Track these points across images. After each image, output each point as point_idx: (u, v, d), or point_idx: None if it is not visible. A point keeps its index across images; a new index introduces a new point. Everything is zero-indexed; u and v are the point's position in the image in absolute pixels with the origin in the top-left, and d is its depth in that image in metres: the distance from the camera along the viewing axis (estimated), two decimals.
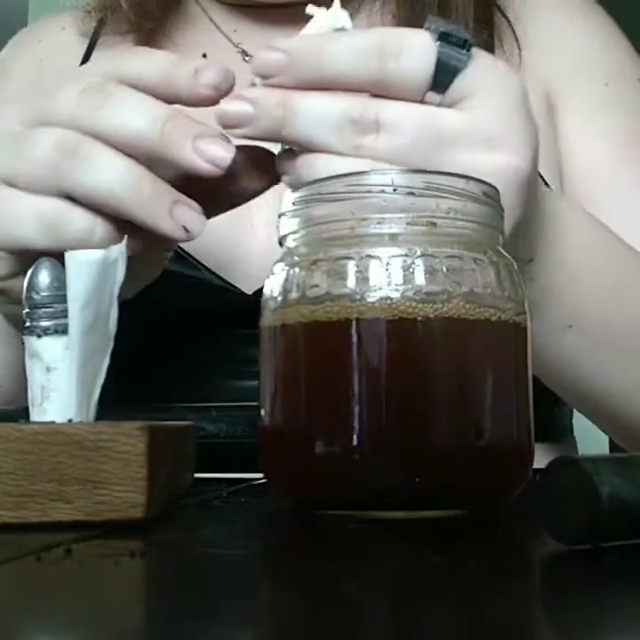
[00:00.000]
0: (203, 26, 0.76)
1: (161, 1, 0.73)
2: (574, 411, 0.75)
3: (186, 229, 0.42)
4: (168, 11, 0.75)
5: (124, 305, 0.39)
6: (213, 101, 0.43)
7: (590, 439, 1.09)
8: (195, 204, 0.42)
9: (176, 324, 0.64)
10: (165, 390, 0.63)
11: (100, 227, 0.43)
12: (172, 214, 0.42)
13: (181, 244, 0.60)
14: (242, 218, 0.64)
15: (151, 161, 0.43)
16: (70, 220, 0.43)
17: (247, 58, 0.73)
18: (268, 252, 0.65)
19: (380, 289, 0.36)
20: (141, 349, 0.55)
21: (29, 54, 0.80)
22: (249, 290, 0.63)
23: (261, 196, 0.67)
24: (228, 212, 0.63)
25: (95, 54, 0.76)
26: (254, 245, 0.65)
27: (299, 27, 0.74)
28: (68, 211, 0.44)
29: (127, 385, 0.55)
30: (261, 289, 0.57)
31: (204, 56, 0.69)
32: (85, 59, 0.76)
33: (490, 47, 0.69)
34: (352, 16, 0.71)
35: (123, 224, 0.43)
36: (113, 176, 0.42)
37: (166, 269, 0.51)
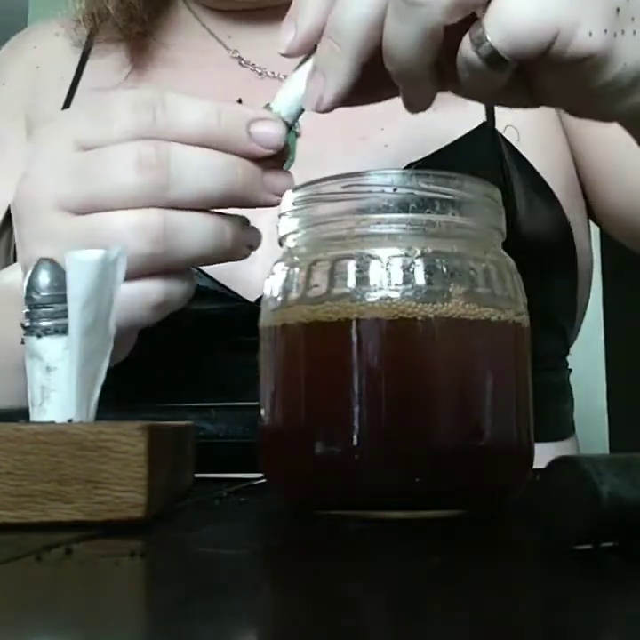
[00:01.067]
0: (195, 31, 0.76)
1: (148, 4, 0.73)
2: (574, 408, 0.75)
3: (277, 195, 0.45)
4: (157, 15, 0.74)
5: None
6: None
7: (590, 438, 1.09)
8: (281, 171, 0.46)
9: (176, 332, 0.64)
10: (165, 399, 0.63)
11: (227, 225, 0.45)
12: (265, 185, 0.45)
13: None
14: None
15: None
16: (203, 227, 0.45)
17: (243, 62, 0.73)
18: (271, 259, 0.66)
19: (380, 289, 0.36)
20: (142, 358, 0.55)
21: (24, 61, 0.80)
22: (251, 297, 0.63)
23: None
24: None
25: (90, 63, 0.76)
26: (257, 253, 0.65)
27: None
28: (196, 218, 0.45)
29: (127, 395, 0.55)
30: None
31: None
32: (80, 68, 0.76)
33: None
34: None
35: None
36: (212, 170, 0.44)
37: None
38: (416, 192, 0.36)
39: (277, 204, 0.44)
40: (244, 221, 0.46)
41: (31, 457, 0.33)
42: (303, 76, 0.45)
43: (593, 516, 0.27)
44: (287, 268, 0.38)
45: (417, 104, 0.45)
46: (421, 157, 0.64)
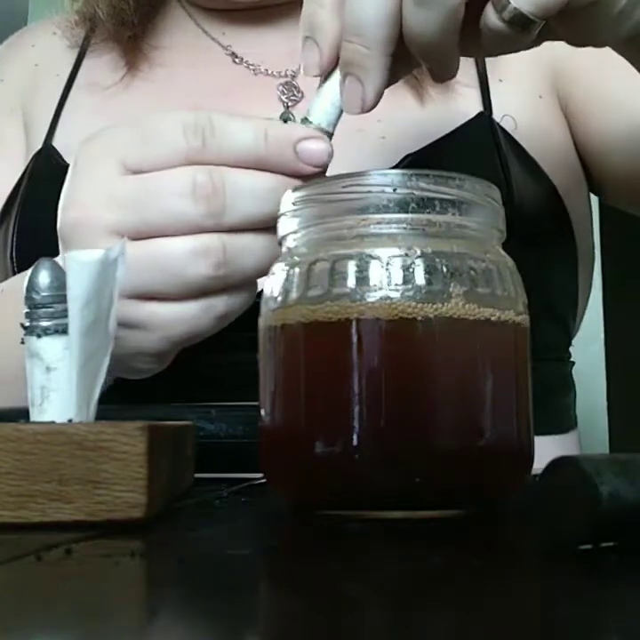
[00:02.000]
0: (189, 30, 0.76)
1: (138, 8, 0.73)
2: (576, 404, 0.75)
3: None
4: (149, 18, 0.75)
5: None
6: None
7: (590, 438, 1.09)
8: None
9: None
10: (163, 397, 0.63)
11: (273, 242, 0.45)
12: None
13: None
14: None
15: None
16: (258, 251, 0.46)
17: (237, 59, 0.73)
18: None
19: (379, 289, 0.36)
20: None
21: (23, 58, 0.81)
22: None
23: None
24: None
25: (85, 62, 0.77)
26: None
27: (284, 26, 0.74)
28: (252, 239, 0.46)
29: (125, 396, 0.55)
30: (259, 292, 0.57)
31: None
32: (76, 66, 0.76)
33: None
34: None
35: None
36: (265, 194, 0.45)
37: None
38: (416, 192, 0.36)
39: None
40: None
41: (31, 457, 0.33)
42: (334, 83, 0.45)
43: (593, 515, 0.27)
44: (287, 267, 0.38)
45: (444, 75, 0.45)
46: (418, 149, 0.64)
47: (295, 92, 0.70)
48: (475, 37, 0.43)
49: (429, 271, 0.36)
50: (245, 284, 0.47)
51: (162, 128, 0.45)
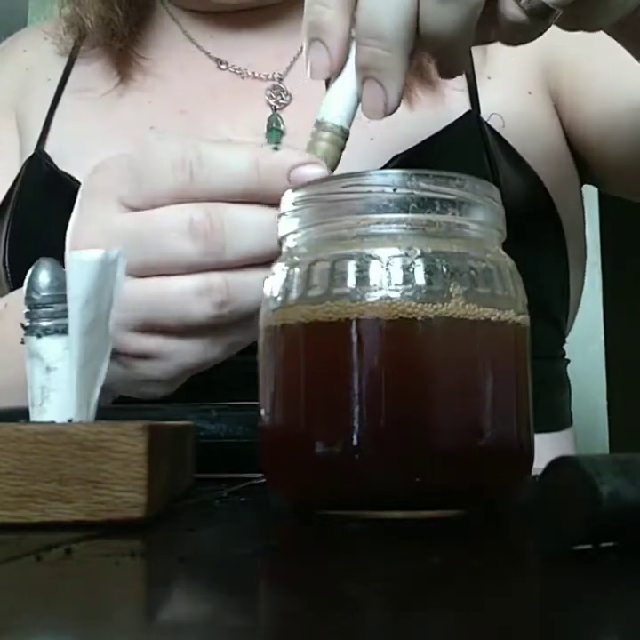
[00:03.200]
0: (175, 36, 0.75)
1: (128, 18, 0.72)
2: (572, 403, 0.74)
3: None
4: (139, 28, 0.74)
5: None
6: None
7: (590, 438, 1.09)
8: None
9: None
10: (164, 399, 0.63)
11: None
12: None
13: None
14: None
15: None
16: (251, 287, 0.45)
17: (222, 66, 0.73)
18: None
19: (379, 289, 0.36)
20: None
21: (14, 63, 0.81)
22: None
23: None
24: None
25: (76, 68, 0.76)
26: None
27: (270, 29, 0.73)
28: (253, 275, 0.45)
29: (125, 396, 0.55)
30: None
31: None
32: (67, 71, 0.76)
33: None
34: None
35: None
36: (263, 228, 0.44)
37: None
38: (416, 192, 0.36)
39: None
40: None
41: (31, 457, 0.33)
42: (345, 80, 0.44)
43: (593, 515, 0.27)
44: (287, 267, 0.38)
45: (454, 70, 0.44)
46: (407, 149, 0.64)
47: (283, 96, 0.70)
48: (486, 27, 0.42)
49: (429, 271, 0.36)
50: (251, 319, 0.47)
51: (150, 164, 0.45)
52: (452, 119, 0.66)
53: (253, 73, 0.72)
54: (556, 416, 0.71)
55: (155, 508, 0.34)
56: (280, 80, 0.71)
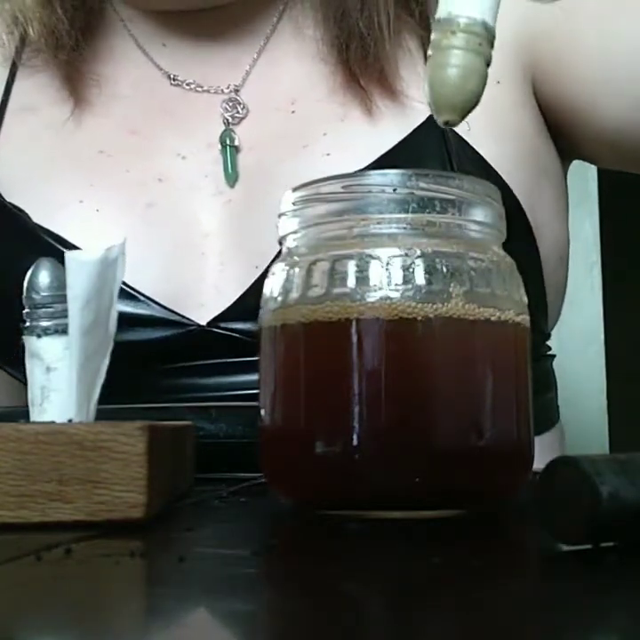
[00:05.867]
0: (127, 46, 0.71)
1: (73, 25, 0.67)
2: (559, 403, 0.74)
3: None
4: (85, 37, 0.69)
5: None
6: None
7: (590, 438, 1.09)
8: None
9: (136, 360, 0.62)
10: (164, 399, 0.62)
11: None
12: None
13: (129, 282, 0.60)
14: (193, 247, 0.63)
15: None
16: None
17: (173, 82, 0.69)
18: (222, 281, 0.64)
19: (379, 289, 0.36)
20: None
21: None
22: (203, 320, 0.62)
23: (212, 225, 0.66)
24: (178, 243, 0.61)
25: (18, 83, 0.71)
26: (207, 275, 0.63)
27: (225, 35, 0.70)
28: None
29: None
30: (215, 319, 0.57)
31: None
32: (7, 89, 0.70)
33: (426, 23, 0.66)
34: (281, 13, 0.70)
35: None
36: None
37: (118, 310, 0.51)
38: (416, 192, 0.36)
39: None
40: None
41: (31, 457, 0.33)
42: None
43: (593, 515, 0.27)
44: (287, 268, 0.38)
45: None
46: (365, 165, 0.61)
47: (239, 109, 0.68)
48: None
49: (429, 271, 0.36)
50: None
51: None
52: (415, 125, 0.64)
53: (208, 87, 0.69)
54: (544, 417, 0.71)
55: (155, 508, 0.34)
56: (237, 91, 0.69)
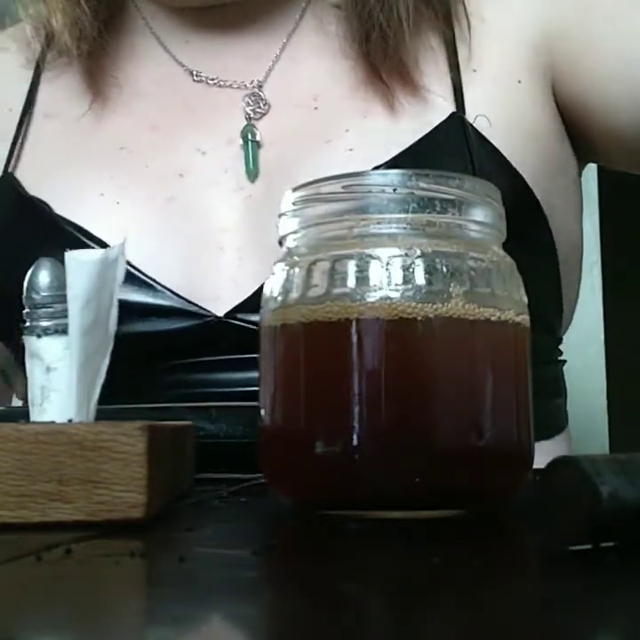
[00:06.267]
0: (148, 44, 0.72)
1: (96, 17, 0.68)
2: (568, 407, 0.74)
3: None
4: (107, 30, 0.70)
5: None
6: None
7: (590, 438, 1.09)
8: None
9: (149, 353, 0.62)
10: (163, 399, 0.62)
11: None
12: None
13: (147, 273, 0.61)
14: (211, 242, 0.63)
15: None
16: None
17: (196, 78, 0.70)
18: (240, 275, 0.64)
19: (379, 289, 0.36)
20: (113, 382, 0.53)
21: None
22: (220, 312, 0.62)
23: (232, 220, 0.66)
24: (197, 237, 0.61)
25: (42, 88, 0.72)
26: (225, 269, 0.63)
27: (245, 30, 0.70)
28: None
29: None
30: (233, 310, 0.57)
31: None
32: (32, 90, 0.72)
33: (448, 20, 0.67)
34: (304, 10, 0.70)
35: None
36: None
37: (135, 301, 0.50)
38: (416, 192, 0.36)
39: None
40: None
41: (31, 457, 0.33)
42: None
43: (593, 515, 0.27)
44: (287, 267, 0.38)
45: None
46: (387, 159, 0.62)
47: (261, 105, 0.68)
48: None
49: (429, 271, 0.36)
50: None
51: None
52: (436, 123, 0.65)
53: (231, 81, 0.69)
54: (551, 423, 0.71)
55: (155, 508, 0.34)
56: (260, 87, 0.69)
